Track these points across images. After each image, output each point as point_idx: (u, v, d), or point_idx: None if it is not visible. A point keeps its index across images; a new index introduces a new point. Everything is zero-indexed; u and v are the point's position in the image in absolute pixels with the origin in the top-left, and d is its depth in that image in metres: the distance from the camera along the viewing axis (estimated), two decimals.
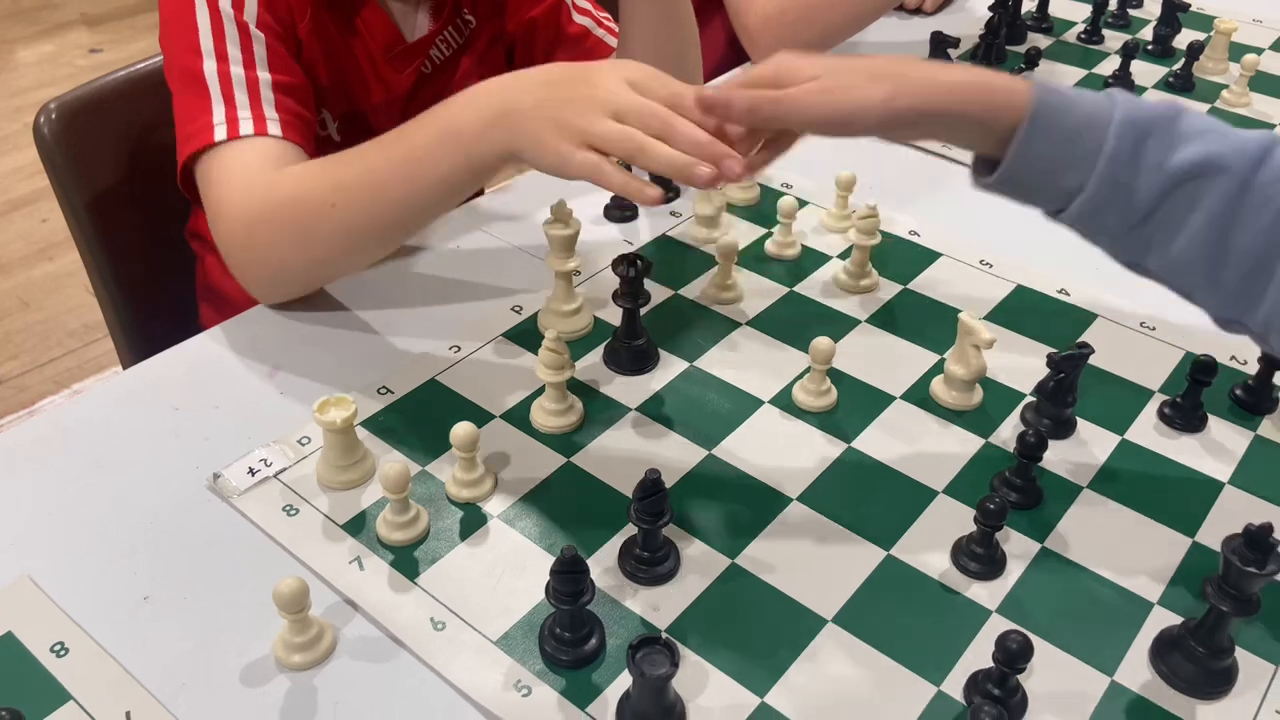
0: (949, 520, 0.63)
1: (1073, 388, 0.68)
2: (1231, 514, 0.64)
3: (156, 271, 1.05)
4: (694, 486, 0.66)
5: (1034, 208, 0.62)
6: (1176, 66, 1.13)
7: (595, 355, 0.76)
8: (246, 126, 0.75)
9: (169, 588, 0.59)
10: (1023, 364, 0.74)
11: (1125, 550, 0.62)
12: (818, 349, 0.70)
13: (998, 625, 0.57)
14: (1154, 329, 0.79)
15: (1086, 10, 1.25)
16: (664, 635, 0.50)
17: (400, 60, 0.89)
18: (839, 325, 0.79)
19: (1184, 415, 0.70)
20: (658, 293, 0.82)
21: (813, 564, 0.61)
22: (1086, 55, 1.19)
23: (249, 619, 0.57)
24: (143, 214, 1.03)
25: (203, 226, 0.93)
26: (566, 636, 0.55)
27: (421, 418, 0.70)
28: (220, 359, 0.75)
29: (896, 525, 0.63)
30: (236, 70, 0.77)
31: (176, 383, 0.73)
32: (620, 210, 0.91)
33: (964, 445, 0.69)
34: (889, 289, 0.83)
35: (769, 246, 0.87)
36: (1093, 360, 0.74)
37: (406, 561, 0.61)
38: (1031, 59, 1.09)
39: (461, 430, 0.62)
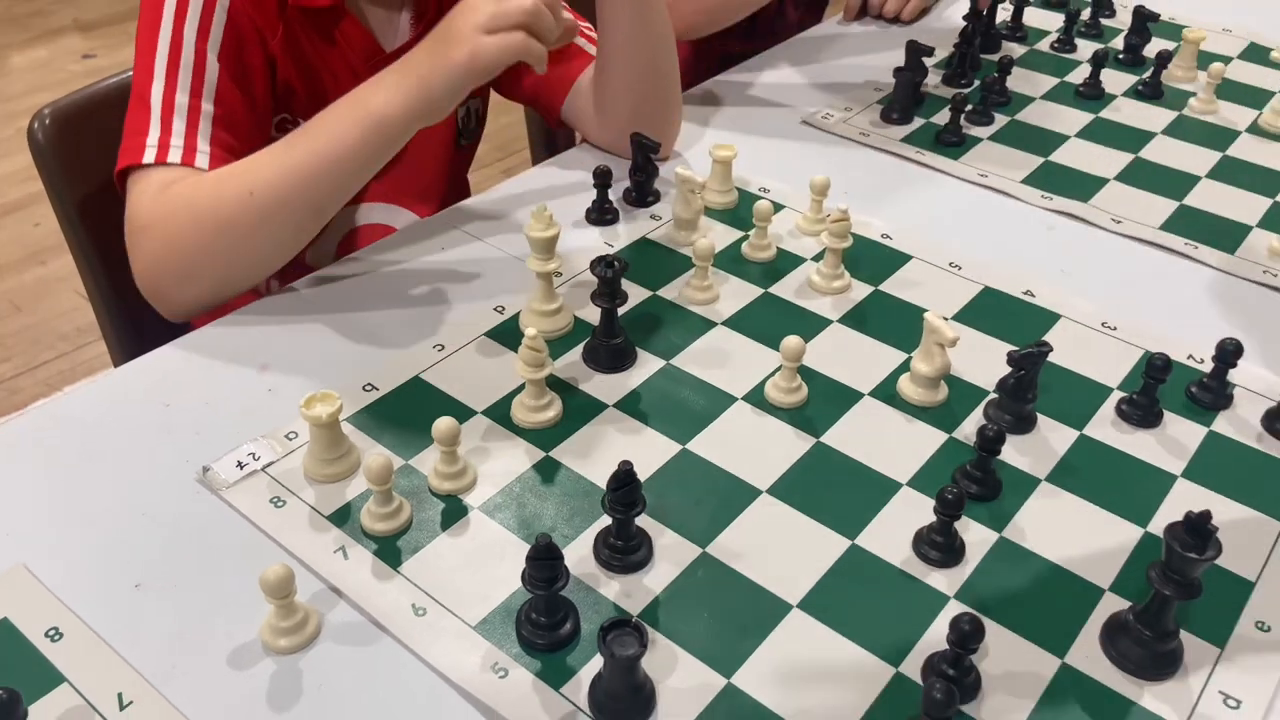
0: (912, 511, 0.66)
1: (1032, 385, 0.71)
2: (1183, 505, 0.66)
3: None
4: (668, 480, 0.68)
5: None
6: (1146, 75, 1.16)
7: (575, 354, 0.78)
8: (175, 154, 0.80)
9: (160, 575, 0.61)
10: (987, 362, 0.77)
11: (1079, 540, 0.64)
12: (788, 347, 0.72)
13: (955, 611, 0.59)
14: (1115, 329, 0.82)
15: (1060, 19, 1.28)
16: (634, 619, 0.53)
17: (379, 67, 0.91)
18: (812, 325, 0.82)
19: (1141, 411, 0.73)
20: (636, 293, 0.84)
21: (780, 552, 0.63)
22: (1059, 64, 1.22)
23: (237, 605, 0.59)
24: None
25: None
26: (542, 621, 0.58)
27: (405, 413, 0.73)
28: (210, 357, 0.78)
29: (861, 516, 0.66)
30: (182, 99, 0.81)
31: (168, 380, 0.76)
32: (601, 214, 0.94)
33: (929, 440, 0.71)
34: (861, 290, 0.86)
35: (745, 249, 0.90)
36: (1055, 359, 0.77)
37: (389, 551, 0.63)
38: (1004, 67, 1.12)
39: (443, 425, 0.65)
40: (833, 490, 0.67)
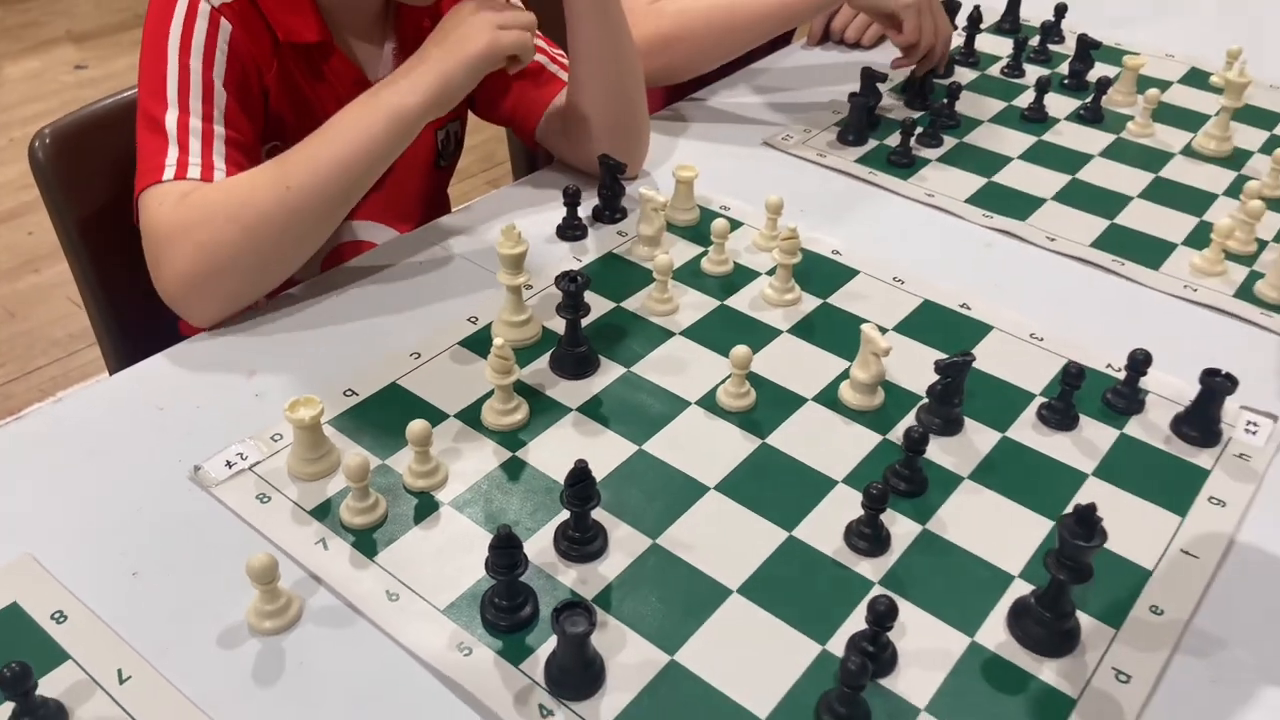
0: (845, 506, 0.72)
1: (959, 390, 0.77)
2: (1087, 499, 0.72)
3: (140, 285, 1.12)
4: (625, 477, 0.74)
5: None
6: (1088, 100, 1.23)
7: (543, 361, 0.84)
8: (194, 171, 0.85)
9: (155, 564, 0.67)
10: (923, 370, 0.83)
11: (995, 532, 0.71)
12: (736, 356, 0.78)
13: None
14: (1042, 339, 0.88)
15: (1011, 45, 1.35)
16: (584, 601, 0.59)
17: None
18: (763, 335, 0.88)
19: (1059, 415, 0.79)
20: (601, 305, 0.90)
21: (724, 543, 0.69)
22: (1008, 88, 1.29)
23: (225, 591, 0.65)
24: (129, 231, 1.11)
25: None
26: (503, 605, 0.64)
27: (383, 417, 0.79)
28: (201, 364, 0.84)
29: (799, 510, 0.72)
30: (195, 123, 0.86)
31: (161, 385, 0.81)
32: (570, 230, 1.00)
33: (864, 441, 0.78)
34: (810, 302, 0.92)
35: (705, 264, 0.96)
36: (984, 367, 0.84)
37: (366, 543, 0.69)
38: (953, 92, 1.18)
39: (416, 427, 0.71)
40: (774, 487, 0.74)
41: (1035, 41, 1.37)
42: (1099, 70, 1.28)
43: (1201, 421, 0.78)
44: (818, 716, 0.59)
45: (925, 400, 0.80)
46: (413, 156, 0.93)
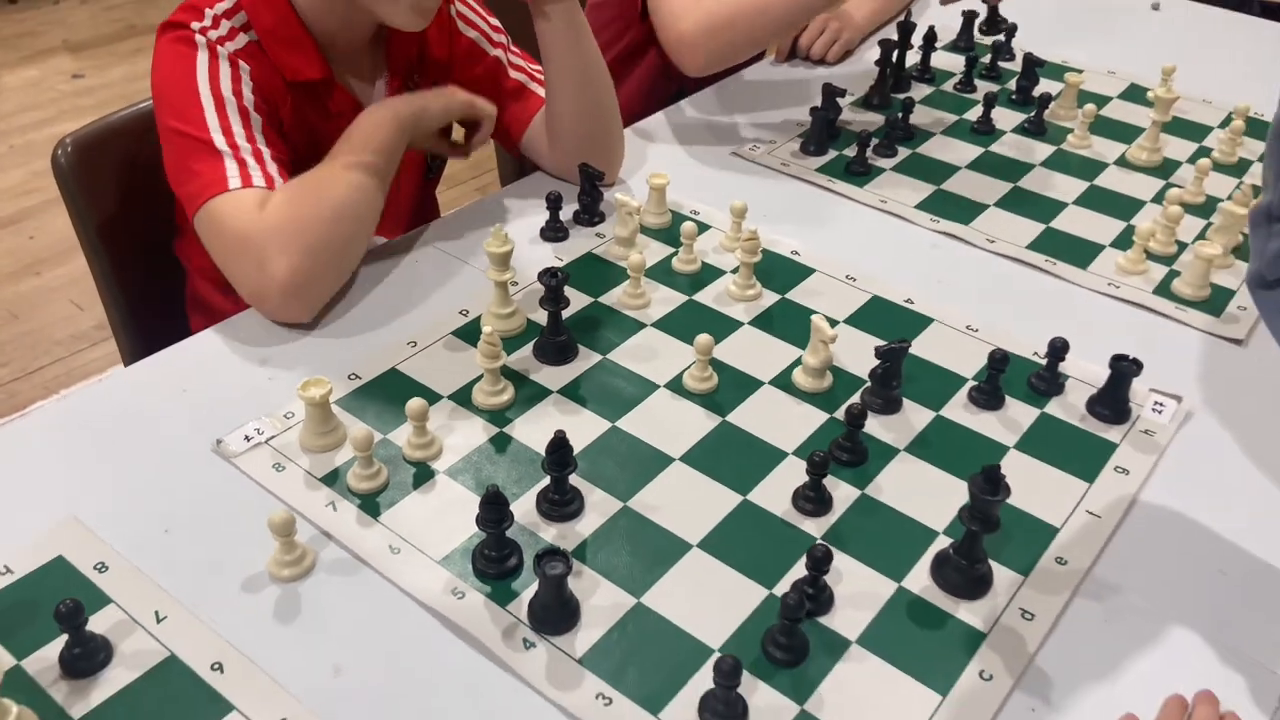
0: (794, 474, 0.81)
1: (897, 374, 0.87)
2: (1011, 469, 0.82)
3: (155, 283, 1.21)
4: (600, 450, 0.84)
5: None
6: (1032, 114, 1.34)
7: (527, 349, 0.94)
8: (258, 180, 0.93)
9: (184, 523, 0.76)
10: (869, 358, 0.93)
11: (924, 496, 0.80)
12: (700, 343, 0.88)
13: None
14: (977, 330, 0.98)
15: (964, 63, 1.45)
16: (561, 548, 0.68)
17: None
18: (726, 327, 0.98)
19: (986, 396, 0.89)
20: (581, 300, 1.00)
21: (686, 506, 0.79)
22: (959, 103, 1.39)
23: (247, 545, 0.74)
24: (142, 232, 1.19)
25: (189, 249, 1.10)
26: (492, 555, 0.73)
27: (384, 397, 0.88)
28: (220, 351, 0.93)
29: (753, 477, 0.81)
30: (242, 141, 0.94)
31: (185, 370, 0.90)
32: (553, 232, 1.10)
33: (813, 418, 0.87)
34: (770, 298, 1.02)
35: (675, 263, 1.06)
36: (923, 354, 0.94)
37: (370, 505, 0.78)
38: (907, 108, 1.29)
39: (415, 404, 0.80)
40: (732, 458, 0.83)
41: (987, 60, 1.47)
42: (1045, 86, 1.39)
43: (1112, 401, 0.88)
44: (763, 647, 0.68)
45: (868, 383, 0.90)
46: (404, 169, 1.02)
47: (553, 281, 0.89)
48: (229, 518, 0.77)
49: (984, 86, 1.43)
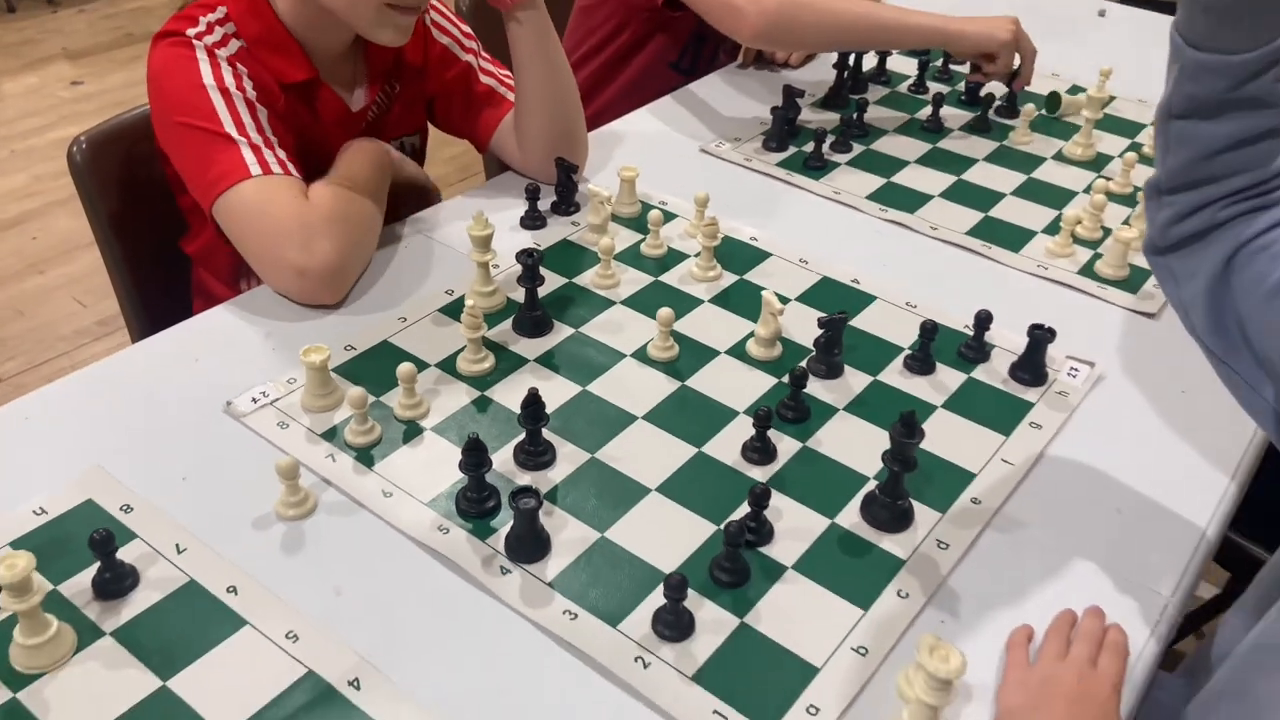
0: (744, 430, 0.91)
1: (838, 342, 0.97)
2: (937, 426, 0.92)
3: (161, 273, 1.30)
4: (571, 411, 0.93)
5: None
6: (978, 113, 1.44)
7: (506, 324, 1.03)
8: (276, 168, 1.01)
9: (200, 471, 0.85)
10: (816, 330, 1.03)
11: (859, 447, 0.90)
12: (661, 316, 0.98)
13: None
14: (915, 306, 1.08)
15: (916, 66, 1.56)
16: (534, 487, 0.78)
17: (348, 124, 1.16)
18: (688, 304, 1.08)
19: (919, 363, 0.99)
20: (556, 280, 1.10)
21: (647, 457, 0.88)
22: (912, 103, 1.50)
23: (256, 490, 0.83)
24: (151, 226, 1.28)
25: (196, 244, 1.20)
26: (473, 496, 0.83)
27: (377, 365, 0.97)
28: (228, 325, 1.02)
29: (707, 432, 0.91)
30: (253, 134, 1.02)
31: (195, 342, 1.00)
32: (532, 220, 1.19)
33: (763, 382, 0.97)
34: (729, 279, 1.12)
35: (643, 248, 1.16)
36: (864, 326, 1.04)
37: (366, 457, 0.88)
38: (861, 107, 1.39)
39: (405, 367, 0.90)
40: (689, 417, 0.93)
41: (939, 63, 1.58)
42: (992, 87, 1.49)
43: (1031, 366, 0.98)
44: (710, 571, 0.78)
45: (813, 351, 1.00)
46: None
47: (529, 260, 0.99)
48: (240, 468, 0.86)
49: (936, 88, 1.53)
